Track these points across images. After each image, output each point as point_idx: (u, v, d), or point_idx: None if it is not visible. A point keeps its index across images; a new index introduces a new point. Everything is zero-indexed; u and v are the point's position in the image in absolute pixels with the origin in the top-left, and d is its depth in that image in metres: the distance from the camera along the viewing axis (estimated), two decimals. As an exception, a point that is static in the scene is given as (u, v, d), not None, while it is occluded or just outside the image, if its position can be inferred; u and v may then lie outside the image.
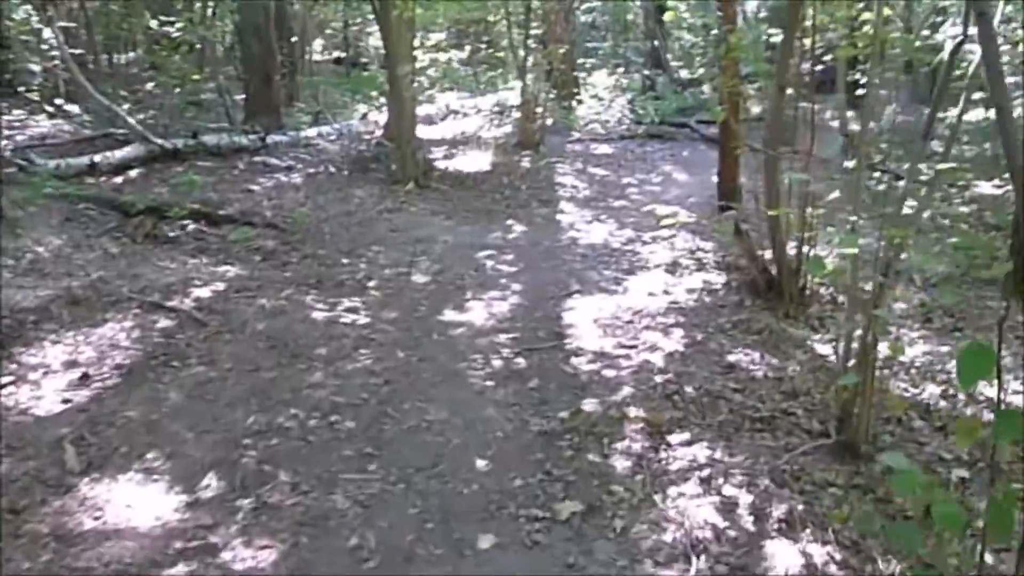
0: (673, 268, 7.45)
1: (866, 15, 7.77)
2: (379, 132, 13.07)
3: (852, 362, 4.32)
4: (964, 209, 10.81)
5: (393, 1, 10.22)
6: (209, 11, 16.95)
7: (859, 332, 4.32)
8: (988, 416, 4.85)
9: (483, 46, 19.89)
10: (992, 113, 13.01)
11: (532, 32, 14.84)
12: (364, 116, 14.74)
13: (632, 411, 4.61)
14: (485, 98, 17.00)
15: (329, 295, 6.52)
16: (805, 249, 6.40)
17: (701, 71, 26.97)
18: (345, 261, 7.52)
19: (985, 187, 11.62)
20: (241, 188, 9.94)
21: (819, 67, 19.39)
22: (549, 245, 8.40)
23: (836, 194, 5.96)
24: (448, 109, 16.59)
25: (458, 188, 10.60)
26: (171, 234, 7.91)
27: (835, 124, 17.79)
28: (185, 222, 8.14)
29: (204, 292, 6.33)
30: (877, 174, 12.49)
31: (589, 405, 4.70)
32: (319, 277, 6.97)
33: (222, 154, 11.27)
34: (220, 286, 6.53)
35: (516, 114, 14.51)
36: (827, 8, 6.91)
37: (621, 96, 18.68)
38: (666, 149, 14.89)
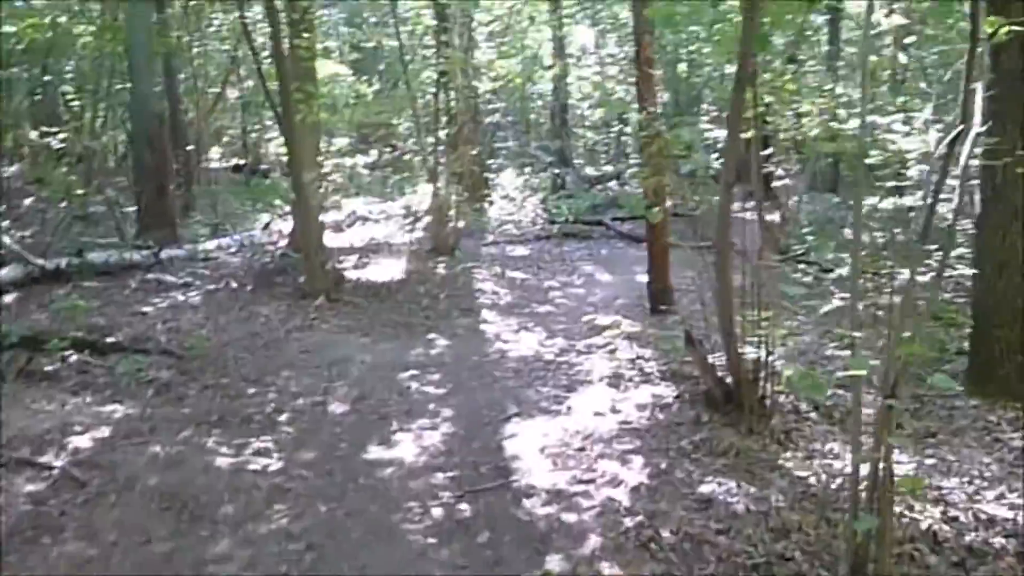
0: (616, 381, 6.80)
1: (805, 106, 7.48)
2: (283, 242, 12.32)
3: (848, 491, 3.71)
4: (896, 299, 10.50)
5: (296, 105, 9.59)
6: (99, 120, 16.10)
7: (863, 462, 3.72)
8: (1001, 541, 4.29)
9: (389, 149, 19.40)
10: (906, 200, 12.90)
11: (441, 134, 14.41)
12: (267, 226, 13.96)
13: (606, 568, 3.88)
14: (393, 203, 16.39)
15: (234, 435, 5.67)
16: (763, 355, 5.86)
17: (607, 168, 27.11)
18: (251, 391, 6.68)
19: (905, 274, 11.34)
20: (132, 310, 9.02)
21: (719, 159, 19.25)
22: (477, 360, 7.70)
23: (837, 303, 5.42)
24: (355, 215, 15.93)
25: (372, 300, 9.86)
26: (49, 369, 6.95)
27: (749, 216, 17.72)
28: (66, 353, 7.20)
29: (85, 441, 5.42)
30: (801, 266, 12.25)
31: (554, 563, 3.96)
32: (222, 413, 6.12)
33: (111, 273, 10.34)
34: (105, 431, 5.62)
35: (427, 218, 13.93)
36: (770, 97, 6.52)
37: (532, 196, 18.31)
38: (583, 248, 14.45)
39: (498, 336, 8.68)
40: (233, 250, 12.37)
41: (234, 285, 10.24)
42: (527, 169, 21.70)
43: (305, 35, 9.42)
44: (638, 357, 7.51)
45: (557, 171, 19.47)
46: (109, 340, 7.66)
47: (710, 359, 6.08)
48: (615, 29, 23.80)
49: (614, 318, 9.11)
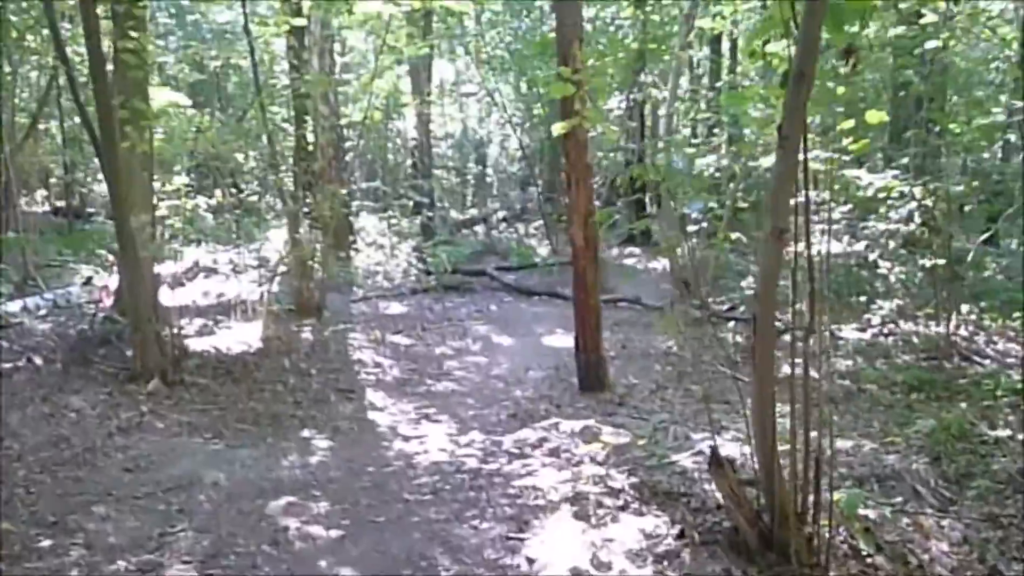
0: (584, 509, 4.83)
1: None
2: (109, 302, 9.93)
3: None
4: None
5: (122, 129, 7.37)
6: None
7: None
8: None
9: (235, 190, 17.03)
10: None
11: (304, 171, 12.32)
12: (88, 281, 11.49)
13: None
14: (243, 251, 14.05)
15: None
16: (811, 474, 4.07)
17: (472, 211, 25.37)
18: (46, 543, 4.42)
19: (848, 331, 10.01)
20: None
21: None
22: (375, 473, 5.63)
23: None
24: (198, 266, 13.56)
25: (224, 381, 7.63)
26: None
27: (651, 265, 16.27)
28: None
29: None
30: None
31: None
32: (-6, 591, 3.90)
33: None
34: None
35: (283, 268, 11.77)
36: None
37: (402, 243, 16.27)
38: (468, 303, 12.59)
39: (394, 430, 6.66)
40: (43, 313, 9.87)
41: (39, 362, 7.79)
42: (390, 213, 19.57)
43: (133, 35, 7.21)
44: (592, 461, 5.61)
45: (430, 215, 17.47)
46: None
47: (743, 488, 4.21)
48: (480, 64, 22.13)
49: (537, 401, 7.28)
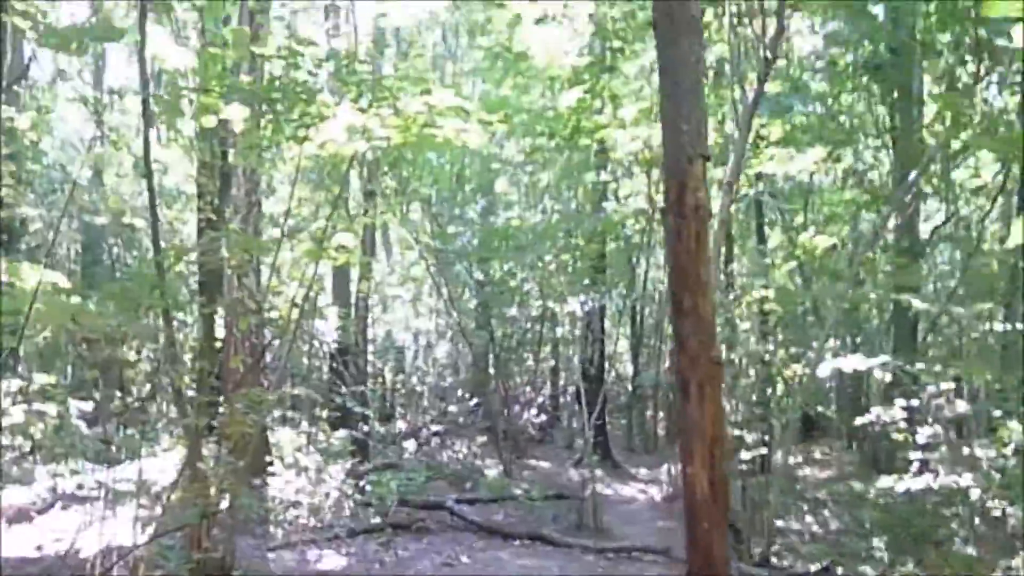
0: None
1: None
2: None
3: None
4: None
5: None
6: None
7: None
8: None
9: (118, 393, 13.64)
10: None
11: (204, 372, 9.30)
12: None
13: None
14: (123, 470, 10.53)
15: None
16: None
17: (399, 424, 22.05)
18: None
19: None
20: None
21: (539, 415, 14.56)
22: None
23: None
24: (57, 494, 10.08)
25: None
26: None
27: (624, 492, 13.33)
28: None
29: None
30: None
31: None
32: None
33: None
34: None
35: (174, 496, 8.41)
36: None
37: (331, 464, 12.86)
38: (429, 551, 9.35)
39: None
40: None
41: None
42: (310, 427, 15.95)
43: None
44: None
45: (366, 429, 14.26)
46: None
47: None
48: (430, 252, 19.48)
49: None
